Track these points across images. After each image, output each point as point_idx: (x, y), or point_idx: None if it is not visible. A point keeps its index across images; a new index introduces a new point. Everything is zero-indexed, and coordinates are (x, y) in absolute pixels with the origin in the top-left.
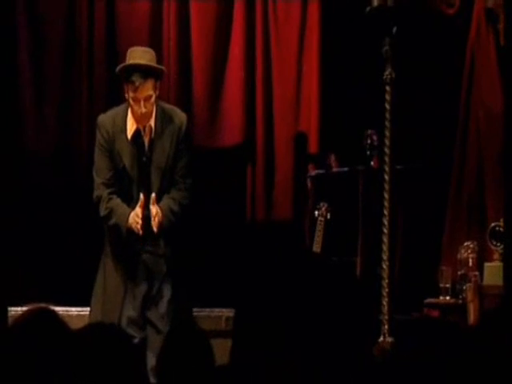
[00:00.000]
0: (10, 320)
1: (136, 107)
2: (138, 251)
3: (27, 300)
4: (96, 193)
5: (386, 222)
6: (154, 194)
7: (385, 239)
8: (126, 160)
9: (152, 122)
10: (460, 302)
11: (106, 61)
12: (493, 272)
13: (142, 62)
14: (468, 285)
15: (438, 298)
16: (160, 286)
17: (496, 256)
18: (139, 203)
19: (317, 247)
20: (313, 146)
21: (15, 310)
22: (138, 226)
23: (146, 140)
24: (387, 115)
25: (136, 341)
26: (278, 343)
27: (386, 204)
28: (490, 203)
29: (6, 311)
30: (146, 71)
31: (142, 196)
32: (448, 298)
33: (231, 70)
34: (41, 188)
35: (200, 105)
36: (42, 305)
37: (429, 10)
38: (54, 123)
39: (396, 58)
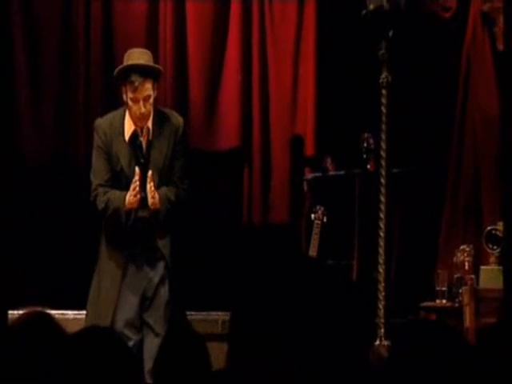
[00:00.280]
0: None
1: (135, 107)
2: (134, 253)
3: (23, 303)
4: (93, 193)
5: (382, 226)
6: (150, 172)
7: (381, 242)
8: (124, 161)
9: (150, 124)
10: (456, 305)
11: (102, 62)
12: (489, 275)
13: (141, 62)
14: (464, 288)
15: (434, 301)
16: (157, 289)
17: (492, 259)
18: (135, 177)
19: (313, 250)
20: (309, 149)
21: (11, 314)
22: (137, 197)
23: (144, 141)
24: (383, 118)
25: (132, 343)
26: (274, 347)
27: (382, 207)
28: (487, 206)
29: (6, 314)
30: (144, 71)
31: (137, 170)
32: (444, 301)
33: (227, 72)
34: (37, 191)
35: (196, 108)
36: (38, 308)
37: (425, 14)
38: (50, 124)
39: (392, 61)
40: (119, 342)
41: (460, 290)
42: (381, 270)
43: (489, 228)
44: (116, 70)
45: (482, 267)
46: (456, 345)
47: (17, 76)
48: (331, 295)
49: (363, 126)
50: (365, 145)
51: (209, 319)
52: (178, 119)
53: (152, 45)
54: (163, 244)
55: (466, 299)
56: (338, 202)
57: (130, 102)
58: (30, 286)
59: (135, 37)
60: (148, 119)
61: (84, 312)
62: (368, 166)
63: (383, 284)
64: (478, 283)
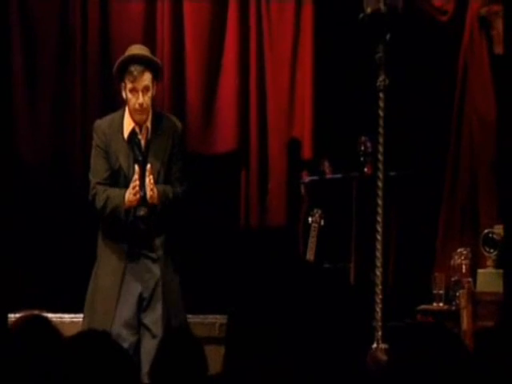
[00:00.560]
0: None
1: (134, 99)
2: (132, 254)
3: (21, 307)
4: (92, 192)
5: (379, 229)
6: (149, 165)
7: (378, 245)
8: (122, 159)
9: (148, 123)
10: (453, 308)
11: (99, 62)
12: (486, 278)
13: (140, 53)
14: (461, 291)
15: (431, 304)
16: (154, 290)
17: (489, 262)
18: (135, 176)
19: (310, 253)
20: (306, 153)
21: (9, 317)
22: (137, 196)
23: (143, 140)
24: (380, 122)
25: (129, 344)
26: (271, 350)
27: (379, 210)
28: (483, 210)
29: (6, 318)
30: (143, 62)
31: (137, 168)
32: (441, 304)
33: (225, 75)
34: (34, 192)
35: (194, 110)
36: (36, 312)
37: (422, 17)
38: (47, 124)
39: (389, 64)
40: (116, 345)
41: (457, 293)
42: (378, 273)
43: (486, 231)
44: (116, 63)
45: (479, 270)
46: (454, 348)
47: (14, 76)
48: (328, 298)
49: (360, 130)
50: (362, 148)
51: (206, 322)
52: (176, 122)
53: (149, 47)
54: (160, 245)
55: (463, 302)
56: (335, 205)
57: (129, 95)
58: (27, 289)
59: (132, 38)
60: (147, 114)
61: (81, 315)
62: (365, 170)
63: (380, 287)
64: (475, 286)
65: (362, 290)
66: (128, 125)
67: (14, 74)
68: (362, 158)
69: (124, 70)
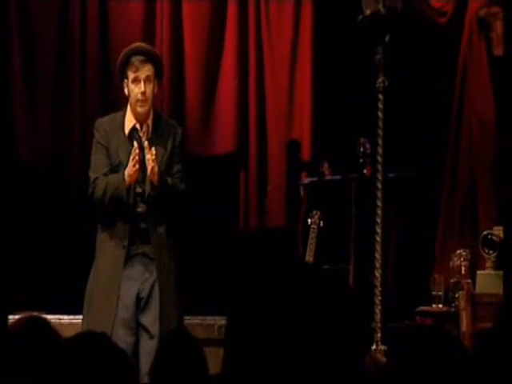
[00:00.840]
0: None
1: (136, 89)
2: (129, 255)
3: (19, 308)
4: (91, 186)
5: (378, 230)
6: (146, 142)
7: (377, 247)
8: (123, 155)
9: (149, 122)
10: (452, 309)
11: (99, 63)
12: (485, 280)
13: (142, 45)
14: (460, 293)
15: (430, 305)
16: (151, 290)
17: (488, 264)
18: (134, 149)
19: (310, 255)
20: (306, 154)
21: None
22: (135, 168)
23: (143, 138)
24: (380, 123)
25: (128, 344)
26: (270, 351)
27: (378, 212)
28: (483, 211)
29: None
30: (145, 53)
31: (135, 144)
32: (440, 305)
33: (224, 77)
34: (32, 194)
35: (193, 112)
36: (34, 313)
37: (421, 19)
38: (46, 125)
39: (388, 66)
40: (114, 346)
41: (456, 295)
42: (377, 275)
43: (485, 233)
44: (119, 57)
45: (479, 272)
46: (453, 349)
47: (13, 77)
48: (327, 300)
49: (359, 131)
50: (361, 149)
51: (205, 324)
52: (176, 125)
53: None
54: (158, 245)
55: (462, 304)
56: (334, 206)
57: (131, 85)
58: (26, 290)
59: (132, 38)
60: (148, 108)
61: (80, 317)
62: (364, 171)
63: (380, 288)
64: (474, 288)
65: (361, 292)
66: (129, 122)
67: (12, 74)
68: (361, 160)
69: (126, 63)
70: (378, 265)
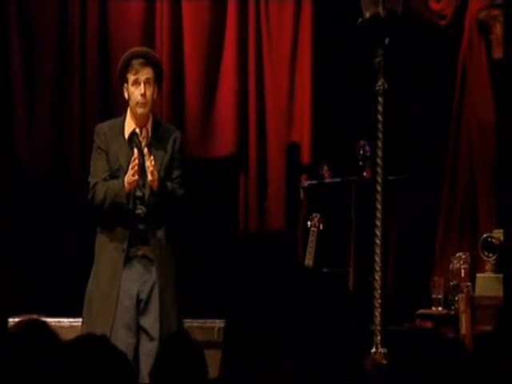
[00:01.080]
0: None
1: (136, 91)
2: (129, 257)
3: (19, 311)
4: (91, 191)
5: (378, 233)
6: (146, 149)
7: (377, 250)
8: (123, 159)
9: (149, 127)
10: (452, 312)
11: (98, 63)
12: (485, 283)
13: (142, 48)
14: (460, 295)
15: (430, 308)
16: (150, 292)
17: (488, 267)
18: (134, 158)
19: (309, 258)
20: (305, 157)
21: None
22: (135, 177)
23: (143, 142)
24: (379, 126)
25: (129, 346)
26: (269, 355)
27: (378, 214)
28: (482, 214)
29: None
30: (145, 56)
31: (136, 151)
32: (440, 308)
33: (224, 79)
34: (32, 196)
35: (193, 114)
36: (34, 316)
37: (421, 22)
38: (46, 127)
39: (388, 68)
40: (114, 349)
41: (456, 298)
42: (377, 277)
43: (484, 235)
44: (120, 62)
45: (478, 275)
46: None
47: (13, 78)
48: (326, 303)
49: (359, 134)
50: (361, 152)
51: (205, 327)
52: (175, 131)
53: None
54: (158, 247)
55: (462, 307)
56: (334, 209)
57: (131, 88)
58: (26, 293)
59: (131, 38)
60: (148, 112)
61: (80, 319)
62: (364, 174)
63: (379, 291)
64: (474, 291)
65: (361, 294)
66: (129, 127)
67: (12, 74)
68: (360, 162)
69: (127, 66)
70: (377, 267)
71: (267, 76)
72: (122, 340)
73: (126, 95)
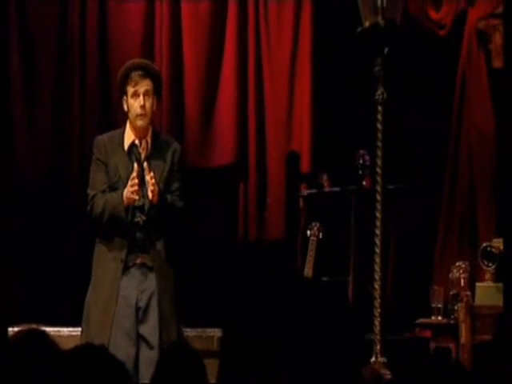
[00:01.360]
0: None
1: (136, 103)
2: (128, 265)
3: (18, 320)
4: (90, 203)
5: (377, 242)
6: (146, 163)
7: (377, 259)
8: (122, 171)
9: (148, 139)
10: (452, 321)
11: (98, 67)
12: (484, 292)
13: (141, 60)
14: (460, 305)
15: (429, 317)
16: (149, 300)
17: (488, 276)
18: (133, 173)
19: (309, 267)
20: (305, 166)
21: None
22: (134, 191)
23: (143, 154)
24: (379, 135)
25: (129, 355)
26: (266, 364)
27: (377, 224)
28: (482, 223)
29: (6, 331)
30: (144, 68)
31: (136, 166)
32: (440, 317)
33: (223, 88)
34: (31, 206)
35: (192, 123)
36: (33, 325)
37: (420, 31)
38: (45, 137)
39: (387, 77)
40: (113, 359)
41: (456, 307)
42: (376, 287)
43: (484, 245)
44: (119, 74)
45: (478, 284)
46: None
47: (12, 78)
48: (324, 313)
49: (359, 143)
50: (360, 161)
51: (204, 336)
52: (175, 143)
53: (147, 54)
54: (157, 255)
55: (461, 316)
56: (333, 218)
57: (130, 100)
58: (25, 302)
59: (131, 40)
60: (147, 124)
61: (79, 329)
62: (364, 183)
63: (379, 300)
64: (473, 300)
65: (360, 304)
66: (128, 139)
67: (11, 74)
68: (360, 172)
69: (126, 78)
70: (377, 277)
71: (267, 85)
72: (122, 348)
73: (125, 107)
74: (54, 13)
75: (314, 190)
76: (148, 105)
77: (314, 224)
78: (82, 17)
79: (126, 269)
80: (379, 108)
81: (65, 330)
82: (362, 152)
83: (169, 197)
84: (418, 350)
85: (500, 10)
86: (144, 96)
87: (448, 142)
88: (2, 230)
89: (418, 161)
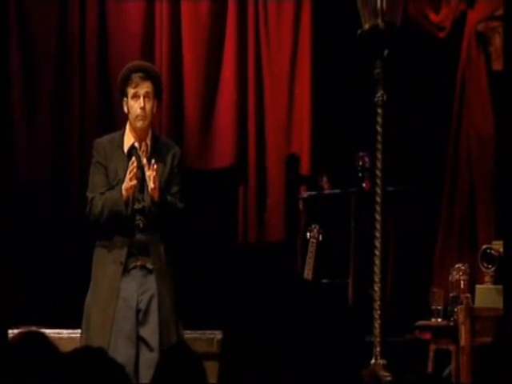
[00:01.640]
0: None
1: (136, 104)
2: (128, 267)
3: (19, 323)
4: (89, 205)
5: (377, 244)
6: (145, 160)
7: (376, 261)
8: (122, 174)
9: (148, 141)
10: (451, 324)
11: (98, 68)
12: (484, 294)
13: (141, 62)
14: (459, 307)
15: (429, 320)
16: (149, 302)
17: (487, 278)
18: (131, 164)
19: (309, 269)
20: (305, 168)
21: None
22: (133, 182)
23: (142, 156)
24: (379, 137)
25: (129, 357)
26: (266, 366)
27: (377, 226)
28: (482, 225)
29: (6, 334)
30: (145, 70)
31: (133, 158)
32: (440, 320)
33: (223, 91)
34: (31, 209)
35: (192, 125)
36: (33, 328)
37: (420, 33)
38: (45, 140)
39: (387, 80)
40: (112, 361)
41: (455, 309)
42: (376, 289)
43: (484, 247)
44: (119, 76)
45: (478, 286)
46: None
47: (12, 79)
48: (325, 314)
49: (359, 145)
50: (360, 163)
51: (204, 338)
52: (175, 147)
53: (147, 56)
54: (157, 257)
55: (461, 318)
56: (333, 220)
57: (131, 102)
58: (25, 305)
59: (131, 41)
60: (148, 126)
61: (79, 331)
62: (363, 185)
63: (379, 302)
64: (473, 302)
65: (360, 306)
66: (128, 141)
67: (11, 75)
68: (360, 174)
69: (126, 80)
70: (377, 279)
71: (267, 87)
72: (122, 350)
73: (125, 109)
74: (54, 13)
75: (313, 192)
76: (148, 107)
77: (313, 226)
78: (82, 17)
79: (125, 271)
80: (379, 110)
81: (64, 333)
82: (361, 154)
83: (169, 197)
84: (418, 352)
85: (499, 12)
86: (144, 98)
87: (448, 144)
88: (1, 232)
89: (418, 163)
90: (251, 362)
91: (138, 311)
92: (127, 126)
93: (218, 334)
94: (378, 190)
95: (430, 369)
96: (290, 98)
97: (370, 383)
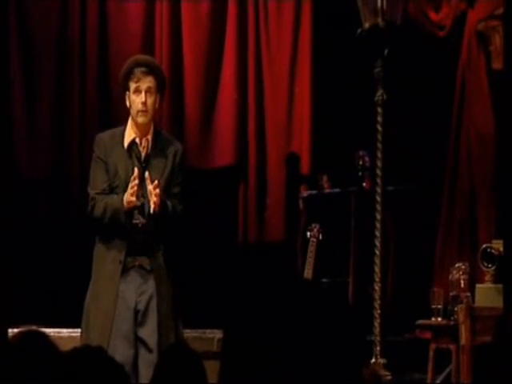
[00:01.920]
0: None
1: (138, 99)
2: (127, 267)
3: (19, 322)
4: (91, 203)
5: (377, 243)
6: (147, 173)
7: (376, 260)
8: (121, 168)
9: (149, 137)
10: (452, 323)
11: (98, 69)
12: (484, 293)
13: (144, 56)
14: (460, 306)
15: (429, 319)
16: (148, 303)
17: (487, 277)
18: (133, 176)
19: (309, 268)
20: (305, 167)
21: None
22: (135, 196)
23: (143, 152)
24: (379, 136)
25: (127, 358)
26: (267, 366)
27: (377, 225)
28: (482, 224)
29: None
30: (147, 65)
31: (136, 170)
32: (440, 319)
33: (223, 90)
34: (31, 207)
35: (192, 125)
36: (33, 327)
37: (420, 32)
38: (45, 138)
39: (387, 79)
40: (111, 361)
41: (455, 308)
42: (376, 288)
43: (484, 246)
44: (122, 69)
45: (478, 285)
46: None
47: (12, 80)
48: (325, 314)
49: (359, 144)
50: (360, 162)
51: (204, 337)
52: (177, 143)
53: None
54: (156, 257)
55: (461, 317)
56: (333, 219)
57: (132, 96)
58: (25, 303)
59: (131, 41)
60: (149, 121)
61: (79, 330)
62: (363, 184)
63: (379, 301)
64: (473, 301)
65: (360, 305)
66: (129, 136)
67: (11, 75)
68: (360, 173)
69: (129, 74)
70: (377, 278)
71: (267, 86)
72: (121, 351)
73: (127, 103)
74: (54, 13)
75: (313, 192)
76: (150, 102)
77: (313, 225)
78: (82, 17)
79: (124, 271)
80: (379, 109)
81: (64, 332)
82: (361, 153)
83: (169, 203)
84: (418, 352)
85: (499, 11)
86: (146, 93)
87: (448, 143)
88: (1, 231)
89: (418, 162)
90: (252, 362)
91: (136, 312)
92: (129, 121)
93: (218, 333)
94: (378, 190)
95: (430, 368)
96: (289, 97)
97: (370, 382)
